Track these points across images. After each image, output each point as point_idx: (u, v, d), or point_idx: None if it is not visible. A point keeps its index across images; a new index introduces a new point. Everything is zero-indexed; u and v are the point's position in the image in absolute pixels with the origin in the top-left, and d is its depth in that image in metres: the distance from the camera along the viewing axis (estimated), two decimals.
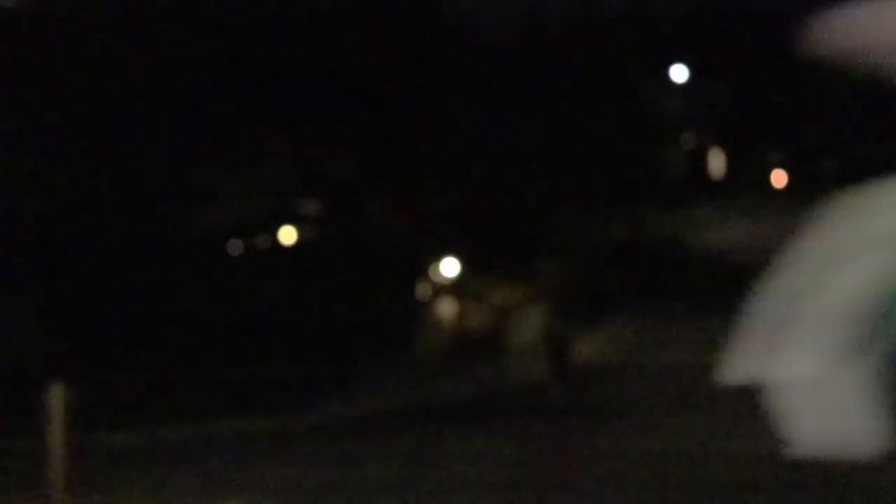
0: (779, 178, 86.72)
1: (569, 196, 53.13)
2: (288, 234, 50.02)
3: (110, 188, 40.29)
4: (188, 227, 43.88)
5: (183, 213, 43.92)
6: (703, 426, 27.38)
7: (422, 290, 46.52)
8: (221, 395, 32.29)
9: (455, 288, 43.64)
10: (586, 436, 26.62)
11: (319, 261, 45.86)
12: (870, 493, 17.65)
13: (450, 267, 44.63)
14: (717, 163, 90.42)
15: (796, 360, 2.13)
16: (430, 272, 47.08)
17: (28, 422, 17.33)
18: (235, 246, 47.91)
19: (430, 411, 30.87)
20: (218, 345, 36.95)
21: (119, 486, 23.83)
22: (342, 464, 25.59)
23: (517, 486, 22.94)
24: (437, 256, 46.86)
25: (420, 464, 25.05)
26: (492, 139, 50.58)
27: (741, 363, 2.58)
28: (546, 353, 31.92)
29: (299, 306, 40.99)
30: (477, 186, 49.97)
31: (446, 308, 44.20)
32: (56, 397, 16.92)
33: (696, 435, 26.49)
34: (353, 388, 33.98)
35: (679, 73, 75.74)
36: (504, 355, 38.04)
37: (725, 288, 51.31)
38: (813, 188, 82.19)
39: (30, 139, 37.88)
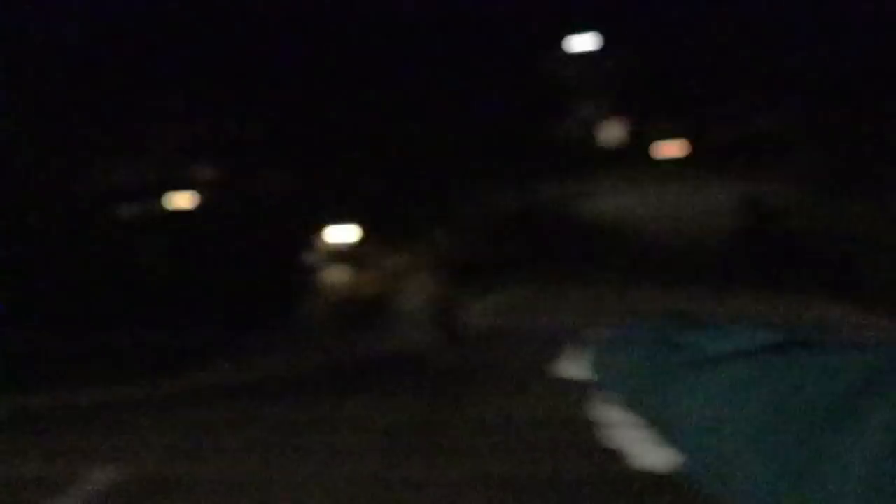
0: (675, 149, 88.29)
1: (463, 165, 53.34)
2: (184, 199, 49.77)
3: None
4: (74, 189, 43.37)
5: (70, 174, 43.45)
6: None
7: (318, 255, 46.65)
8: (104, 362, 32.19)
9: (350, 254, 43.76)
10: (468, 400, 26.82)
11: (214, 225, 45.66)
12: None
13: (345, 233, 44.71)
14: (614, 133, 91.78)
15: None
16: (326, 238, 47.24)
17: None
18: (127, 209, 47.49)
19: (316, 377, 30.93)
20: (104, 310, 36.69)
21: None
22: (217, 429, 25.62)
23: (389, 453, 23.12)
24: (334, 222, 46.96)
25: (293, 430, 25.40)
26: (388, 110, 50.75)
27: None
28: (438, 320, 32.26)
29: (192, 271, 40.82)
30: (373, 157, 50.18)
31: (340, 274, 44.29)
32: None
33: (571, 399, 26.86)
34: (240, 354, 33.90)
35: (579, 43, 76.02)
36: (396, 321, 38.21)
37: (615, 256, 52.27)
38: (708, 159, 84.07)
39: None
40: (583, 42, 77.91)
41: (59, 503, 20.62)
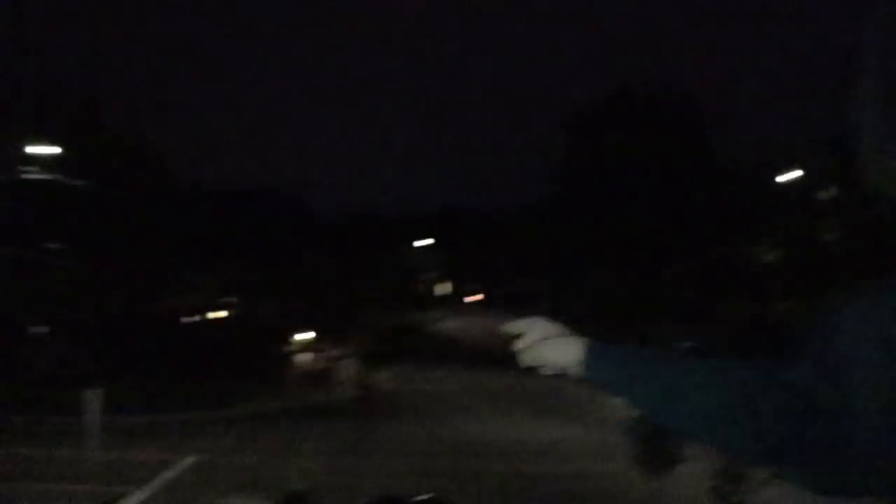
0: (478, 296, 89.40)
1: (370, 302, 53.45)
2: (218, 314, 48.59)
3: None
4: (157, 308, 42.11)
5: (157, 300, 42.22)
6: (443, 423, 27.87)
7: (289, 346, 45.69)
8: (180, 398, 30.82)
9: (308, 346, 43.02)
10: (376, 426, 26.70)
11: (233, 329, 44.56)
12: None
13: (305, 335, 44.08)
14: (444, 288, 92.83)
15: None
16: (294, 337, 46.34)
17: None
18: (186, 319, 46.17)
19: (288, 414, 30.18)
20: (179, 368, 35.35)
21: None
22: (241, 435, 24.86)
23: (340, 453, 22.86)
24: (299, 329, 46.23)
25: (279, 449, 24.02)
26: (328, 276, 50.67)
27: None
28: (356, 384, 31.66)
29: (227, 353, 39.58)
30: (321, 296, 49.86)
31: (303, 357, 43.42)
32: (92, 397, 15.95)
33: (441, 426, 27.03)
34: (249, 397, 32.83)
35: (422, 242, 76.94)
36: (333, 384, 37.45)
37: (447, 351, 51.10)
38: (495, 303, 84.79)
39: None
40: (426, 241, 78.58)
41: (163, 476, 19.81)
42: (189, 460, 21.13)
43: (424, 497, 11.97)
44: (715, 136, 39.73)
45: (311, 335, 44.02)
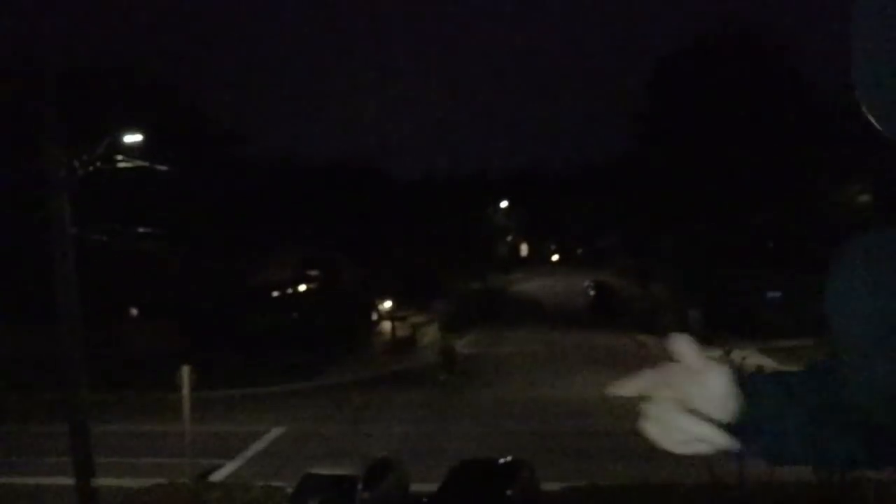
0: (554, 257, 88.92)
1: (452, 267, 53.59)
2: (302, 287, 49.71)
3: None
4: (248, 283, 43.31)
5: (246, 276, 43.42)
6: (519, 385, 28.14)
7: (373, 316, 46.39)
8: (269, 370, 32.02)
9: (390, 314, 43.58)
10: (457, 390, 27.12)
11: (319, 301, 45.44)
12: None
13: (388, 303, 44.69)
14: (524, 249, 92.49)
15: None
16: (378, 305, 47.01)
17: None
18: (275, 293, 47.42)
19: (377, 380, 31.00)
20: (267, 343, 36.44)
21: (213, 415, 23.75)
22: (330, 405, 25.77)
23: (422, 419, 23.48)
24: (382, 298, 46.83)
25: (369, 407, 25.23)
26: (411, 243, 50.97)
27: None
28: (439, 355, 31.42)
29: (308, 322, 40.49)
30: (404, 264, 50.21)
31: (386, 325, 44.13)
32: (184, 373, 16.79)
33: (517, 388, 27.31)
34: (334, 367, 33.69)
35: (503, 205, 76.35)
36: (416, 351, 37.98)
37: (525, 314, 50.36)
38: (570, 262, 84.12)
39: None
40: (507, 203, 77.98)
41: (258, 443, 20.87)
42: (278, 431, 22.19)
43: (506, 459, 12.60)
44: (811, 77, 38.06)
45: (389, 303, 44.55)
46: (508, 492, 13.46)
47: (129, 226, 22.41)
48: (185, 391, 16.73)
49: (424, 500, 14.33)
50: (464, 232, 57.35)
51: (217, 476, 17.80)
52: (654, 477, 15.16)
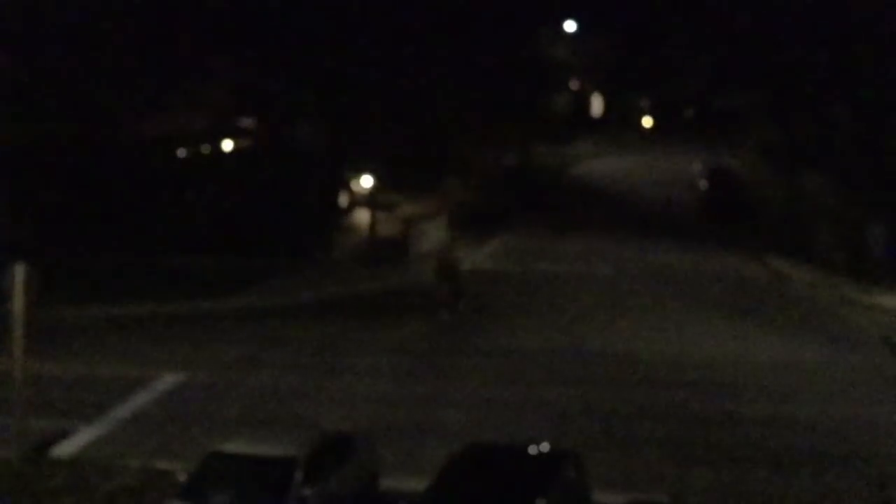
0: (647, 122, 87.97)
1: (473, 129, 52.95)
2: (227, 145, 49.47)
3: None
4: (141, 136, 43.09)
5: (135, 123, 43.18)
6: (572, 327, 28.06)
7: (342, 199, 46.23)
8: (167, 281, 32.32)
9: (370, 199, 43.21)
10: (469, 333, 27.09)
11: (253, 170, 45.26)
12: None
13: (366, 181, 44.27)
14: (597, 105, 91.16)
15: None
16: (351, 183, 46.75)
17: None
18: (181, 152, 47.23)
19: (340, 305, 31.03)
20: (163, 237, 36.58)
21: (67, 351, 24.12)
22: (262, 343, 25.92)
23: (407, 374, 23.45)
24: (357, 172, 46.51)
25: (323, 349, 25.57)
26: (409, 85, 50.29)
27: None
28: (436, 275, 31.15)
29: (234, 206, 40.37)
30: (396, 118, 49.67)
31: (362, 216, 43.93)
32: (17, 275, 16.66)
33: (567, 333, 27.21)
34: (272, 279, 33.87)
35: (570, 26, 74.70)
36: (407, 261, 37.93)
37: (592, 212, 51.40)
38: (672, 131, 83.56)
39: None
40: (574, 26, 76.27)
41: (138, 398, 20.99)
42: (172, 379, 22.28)
43: (540, 447, 12.37)
44: None
45: (369, 180, 43.99)
46: (540, 502, 13.23)
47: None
48: (18, 305, 16.58)
49: None
50: (496, 69, 56.41)
51: (64, 449, 17.81)
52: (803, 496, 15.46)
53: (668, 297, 32.13)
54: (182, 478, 14.76)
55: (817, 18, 46.77)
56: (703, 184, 54.11)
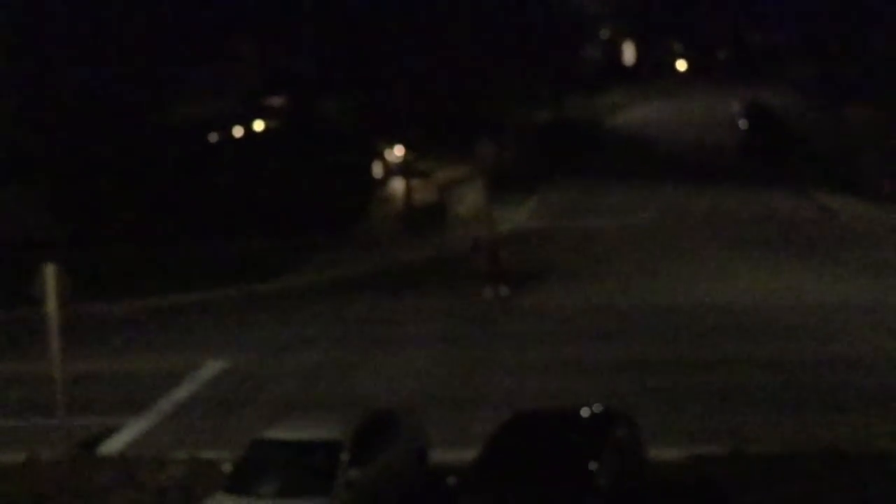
0: (681, 66, 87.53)
1: (505, 88, 52.58)
2: (258, 126, 49.60)
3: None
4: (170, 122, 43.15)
5: (165, 108, 43.25)
6: (620, 281, 27.82)
7: (376, 170, 46.14)
8: (204, 268, 32.38)
9: (404, 167, 43.10)
10: (514, 294, 26.87)
11: (284, 149, 45.25)
12: None
13: (398, 150, 44.26)
14: (629, 53, 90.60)
15: None
16: (384, 154, 46.71)
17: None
18: (213, 136, 47.29)
19: (379, 278, 30.93)
20: (199, 224, 36.67)
21: (108, 347, 24.20)
22: (305, 322, 25.86)
23: (452, 343, 23.28)
24: (389, 142, 46.45)
25: (368, 322, 25.47)
26: (436, 50, 50.06)
27: None
28: (483, 262, 30.24)
29: (267, 184, 40.34)
30: (425, 84, 49.42)
31: (397, 185, 43.82)
32: (49, 276, 16.62)
33: (615, 287, 26.99)
34: (309, 259, 33.77)
35: None
36: (445, 227, 37.79)
37: (632, 161, 50.90)
38: (708, 72, 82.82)
39: None
40: None
41: (182, 388, 20.98)
42: (215, 366, 22.18)
43: (591, 408, 12.17)
44: None
45: (401, 149, 43.92)
46: (593, 466, 13.00)
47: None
48: (51, 306, 16.50)
49: (452, 479, 14.03)
50: (524, 23, 55.95)
51: (111, 446, 17.79)
52: (848, 436, 15.17)
53: (715, 242, 31.80)
54: (227, 468, 14.67)
55: None
56: (742, 123, 53.61)
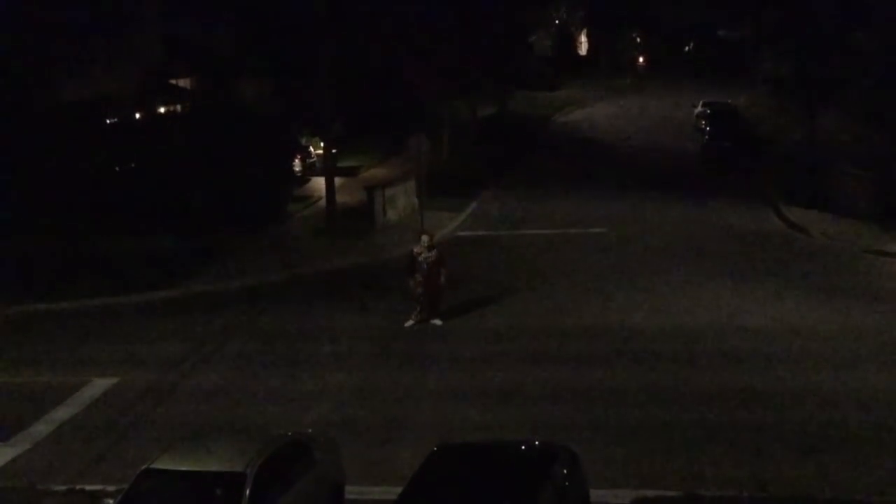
0: (642, 59, 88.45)
1: (442, 77, 52.53)
2: (160, 109, 49.18)
3: None
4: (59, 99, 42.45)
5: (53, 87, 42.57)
6: (561, 300, 27.91)
7: (296, 165, 46.01)
8: (96, 270, 31.93)
9: (327, 164, 42.91)
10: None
11: (191, 137, 44.71)
12: None
13: (323, 144, 44.16)
14: (583, 45, 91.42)
15: None
16: (307, 147, 46.69)
17: None
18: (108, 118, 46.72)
19: (295, 287, 30.94)
20: (92, 219, 36.23)
21: None
22: (206, 335, 25.64)
23: (375, 363, 23.24)
24: (312, 134, 46.42)
25: (278, 338, 25.33)
26: (364, 31, 50.00)
27: None
28: (417, 284, 29.33)
29: (171, 176, 39.82)
30: (352, 68, 49.32)
31: (319, 183, 43.61)
32: None
33: (555, 307, 27.12)
34: (217, 263, 33.50)
35: None
36: (373, 231, 37.78)
37: (585, 164, 51.11)
38: (670, 68, 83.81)
39: None
40: None
41: (63, 408, 20.70)
42: (102, 384, 21.97)
43: (529, 444, 12.13)
44: None
45: (329, 143, 43.94)
46: None
47: None
48: None
49: None
50: (466, 6, 55.96)
51: None
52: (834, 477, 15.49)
53: (672, 259, 32.06)
54: (109, 503, 14.49)
55: None
56: (705, 126, 54.09)
